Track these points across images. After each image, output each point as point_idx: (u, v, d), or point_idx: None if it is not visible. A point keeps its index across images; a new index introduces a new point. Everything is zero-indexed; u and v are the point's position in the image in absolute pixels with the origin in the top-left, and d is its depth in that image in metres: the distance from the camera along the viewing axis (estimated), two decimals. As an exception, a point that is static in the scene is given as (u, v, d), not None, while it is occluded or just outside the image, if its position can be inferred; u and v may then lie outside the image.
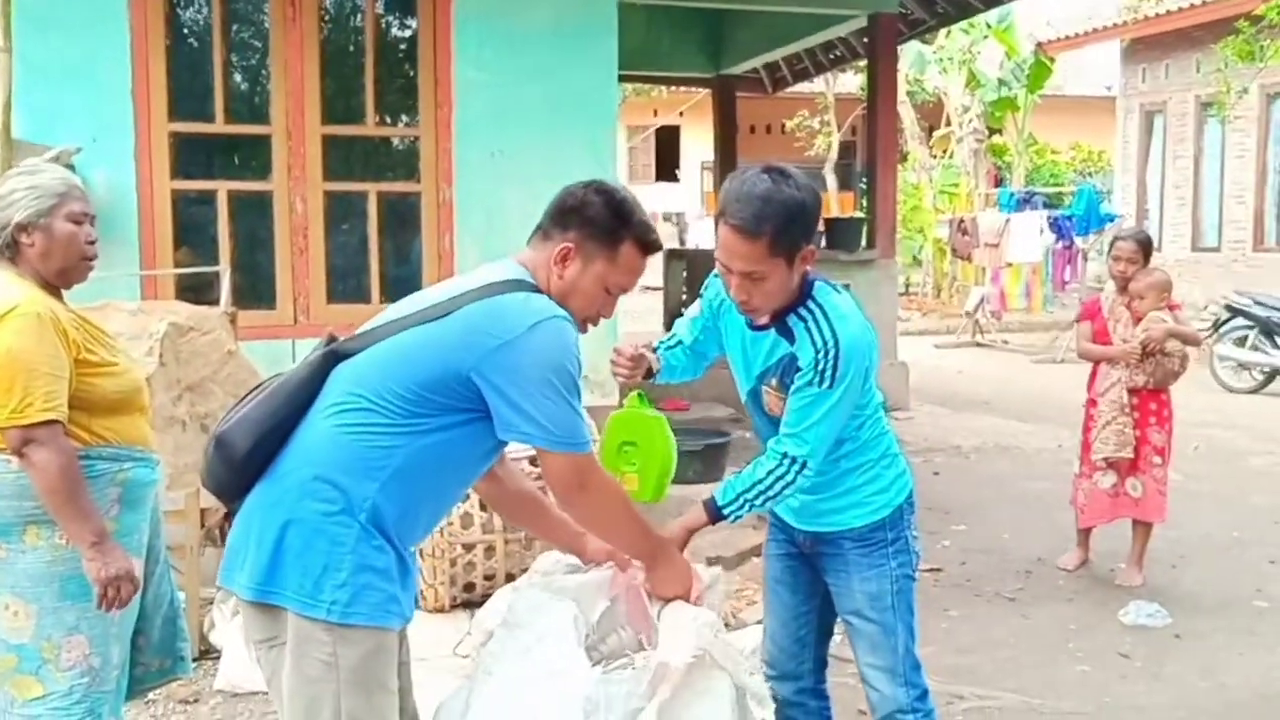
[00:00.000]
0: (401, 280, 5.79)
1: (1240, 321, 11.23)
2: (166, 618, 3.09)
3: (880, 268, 9.71)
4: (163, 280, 5.41)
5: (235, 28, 5.79)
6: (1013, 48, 17.65)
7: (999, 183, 19.04)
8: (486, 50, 5.64)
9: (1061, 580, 5.55)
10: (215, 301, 5.19)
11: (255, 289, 5.62)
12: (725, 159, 12.88)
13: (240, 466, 2.29)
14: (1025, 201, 15.21)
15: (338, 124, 5.66)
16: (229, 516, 4.93)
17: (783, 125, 22.21)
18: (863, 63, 11.63)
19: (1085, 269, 14.26)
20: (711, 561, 5.56)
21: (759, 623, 4.58)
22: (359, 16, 5.79)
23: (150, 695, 3.94)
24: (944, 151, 19.80)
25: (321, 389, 2.28)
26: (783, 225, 2.49)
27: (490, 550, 4.85)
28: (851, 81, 19.86)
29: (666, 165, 26.65)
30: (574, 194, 2.40)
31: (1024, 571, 5.69)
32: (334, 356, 2.30)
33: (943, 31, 17.09)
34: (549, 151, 5.76)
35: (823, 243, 9.24)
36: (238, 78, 5.66)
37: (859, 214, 10.57)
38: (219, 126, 5.56)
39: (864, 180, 10.55)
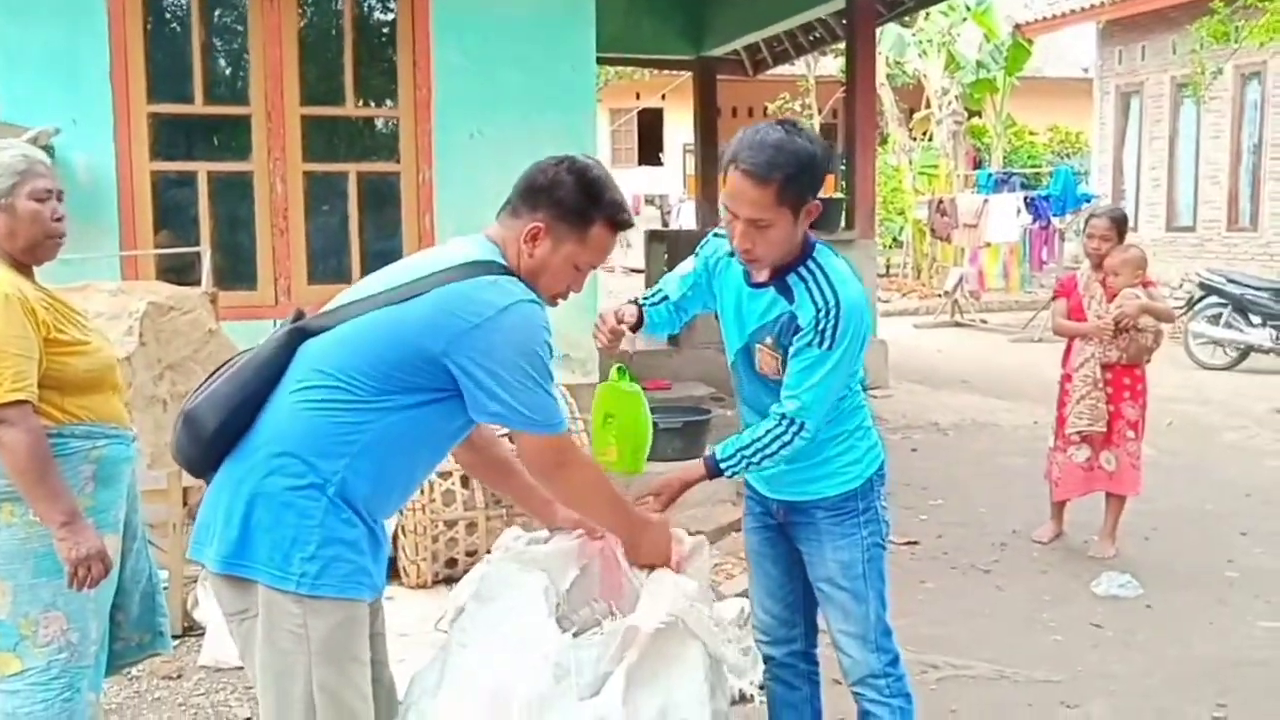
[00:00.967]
0: (382, 260, 5.68)
1: (1214, 299, 11.36)
2: (145, 593, 3.10)
3: (860, 248, 9.76)
4: (143, 261, 5.42)
5: (214, 10, 5.79)
6: (991, 30, 17.71)
7: (978, 164, 19.13)
8: (466, 34, 5.66)
9: (1036, 553, 5.63)
10: (196, 283, 5.21)
11: (236, 270, 5.64)
12: (706, 141, 12.91)
13: (209, 442, 2.30)
14: (1003, 183, 15.32)
15: (317, 105, 5.67)
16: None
17: (764, 108, 22.24)
18: (842, 45, 11.67)
19: (1062, 249, 14.38)
20: (690, 535, 5.64)
21: (740, 595, 4.67)
22: (338, -1, 5.82)
23: (133, 671, 3.97)
24: (923, 134, 19.88)
25: (289, 365, 2.28)
26: (793, 174, 2.52)
27: (472, 526, 4.90)
28: (832, 64, 19.87)
29: (649, 149, 26.65)
30: (545, 172, 2.38)
31: (999, 544, 5.77)
32: (301, 333, 2.30)
33: (921, 14, 17.16)
34: (528, 134, 5.78)
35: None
36: (217, 59, 5.67)
37: (839, 195, 10.61)
38: (198, 108, 5.57)
39: (844, 162, 10.58)
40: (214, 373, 2.37)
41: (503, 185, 6.18)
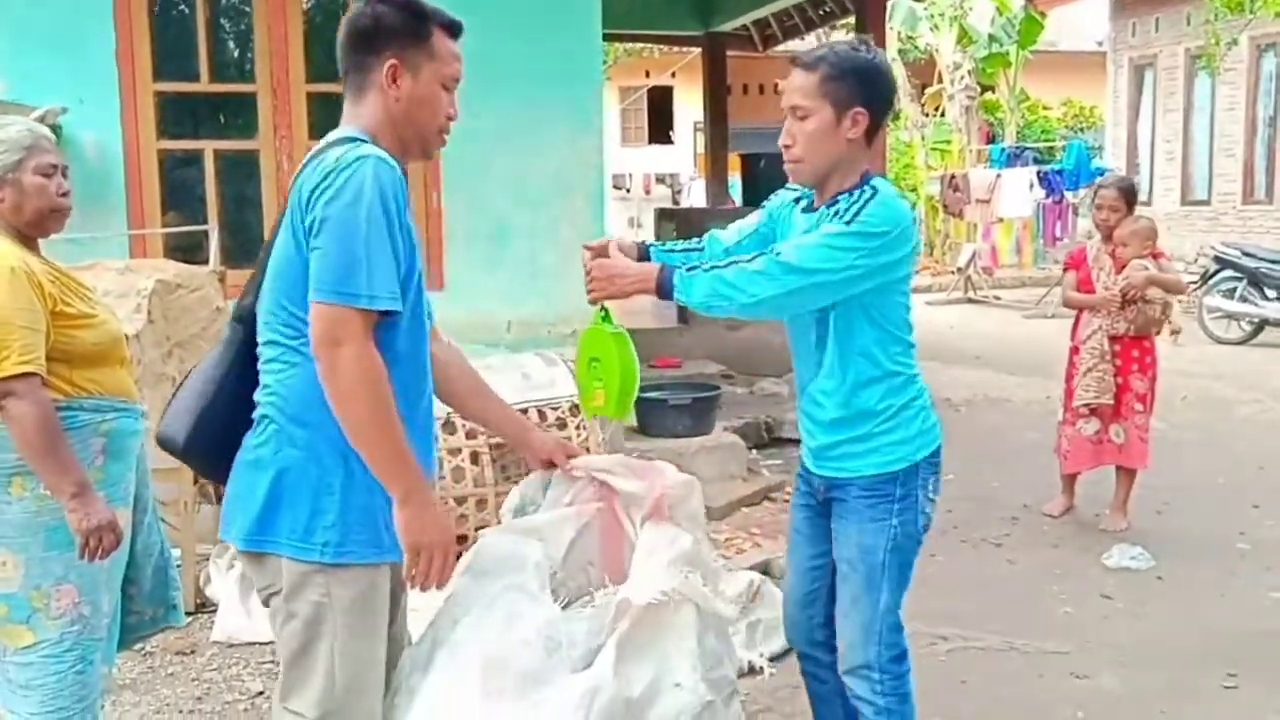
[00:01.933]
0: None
1: (1229, 273, 11.28)
2: (157, 566, 3.11)
3: (870, 224, 9.72)
4: (151, 240, 5.42)
5: (219, -13, 5.79)
6: (1004, 4, 17.56)
7: (991, 139, 19.01)
8: (469, 8, 5.62)
9: (1047, 526, 5.62)
10: (204, 261, 5.22)
11: (244, 248, 5.63)
12: (716, 119, 12.85)
13: (189, 457, 2.34)
14: (1016, 157, 15.23)
15: (323, 81, 5.65)
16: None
17: (775, 84, 22.10)
18: (853, 19, 11.58)
19: (1076, 224, 14.31)
20: (701, 512, 5.65)
21: (750, 568, 4.67)
22: (341, -28, 5.79)
23: (147, 646, 4.01)
24: (935, 109, 19.76)
25: (246, 354, 2.25)
26: (839, 69, 2.57)
27: (482, 503, 4.91)
28: (848, 40, 19.76)
29: (660, 127, 26.56)
30: (360, 18, 2.26)
31: (1010, 518, 5.76)
32: (242, 322, 2.28)
33: (933, -13, 17.07)
34: (534, 111, 5.77)
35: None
36: (222, 37, 5.66)
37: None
38: (204, 86, 5.57)
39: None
40: (176, 388, 2.37)
41: (509, 162, 6.20)
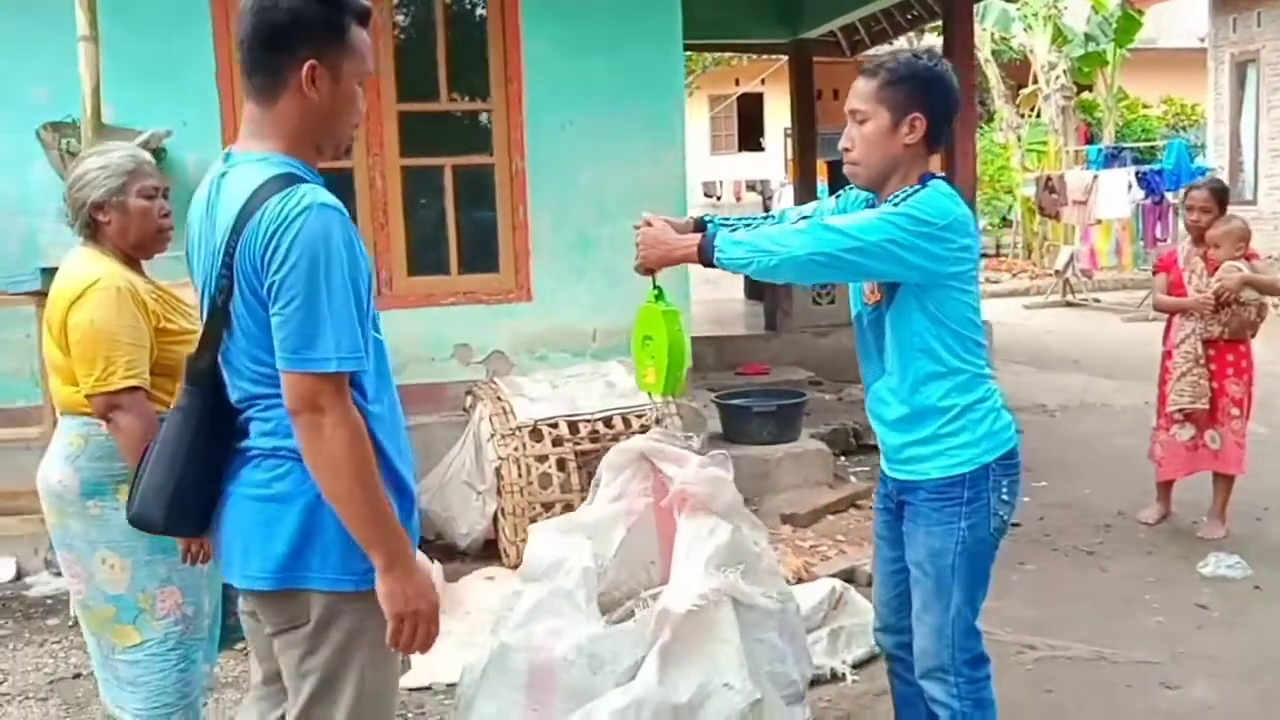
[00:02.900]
0: (479, 251, 5.95)
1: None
2: None
3: (960, 228, 9.63)
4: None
5: (313, 12, 5.98)
6: (1100, 2, 17.22)
7: (1090, 139, 18.61)
8: (554, 23, 5.74)
9: (1142, 534, 5.52)
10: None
11: (340, 263, 5.81)
12: (804, 125, 12.80)
13: (170, 531, 2.31)
14: (1113, 158, 14.91)
15: (413, 101, 5.81)
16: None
17: (865, 89, 21.98)
18: (941, 23, 11.47)
19: (1177, 224, 13.93)
20: (785, 519, 5.66)
21: (833, 575, 4.68)
22: (430, -3, 5.94)
23: (244, 646, 4.16)
24: (1031, 109, 19.43)
25: (209, 418, 2.18)
26: (899, 76, 2.64)
27: (569, 508, 4.99)
28: (938, 42, 19.57)
29: (750, 134, 26.54)
30: (272, 12, 2.03)
31: (1104, 526, 5.66)
32: (198, 385, 2.19)
33: (1027, -13, 16.82)
34: (617, 122, 5.85)
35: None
36: (315, 59, 5.82)
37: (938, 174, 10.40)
38: (300, 107, 5.75)
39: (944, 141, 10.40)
40: (142, 458, 2.31)
41: (593, 173, 6.27)
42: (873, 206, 2.76)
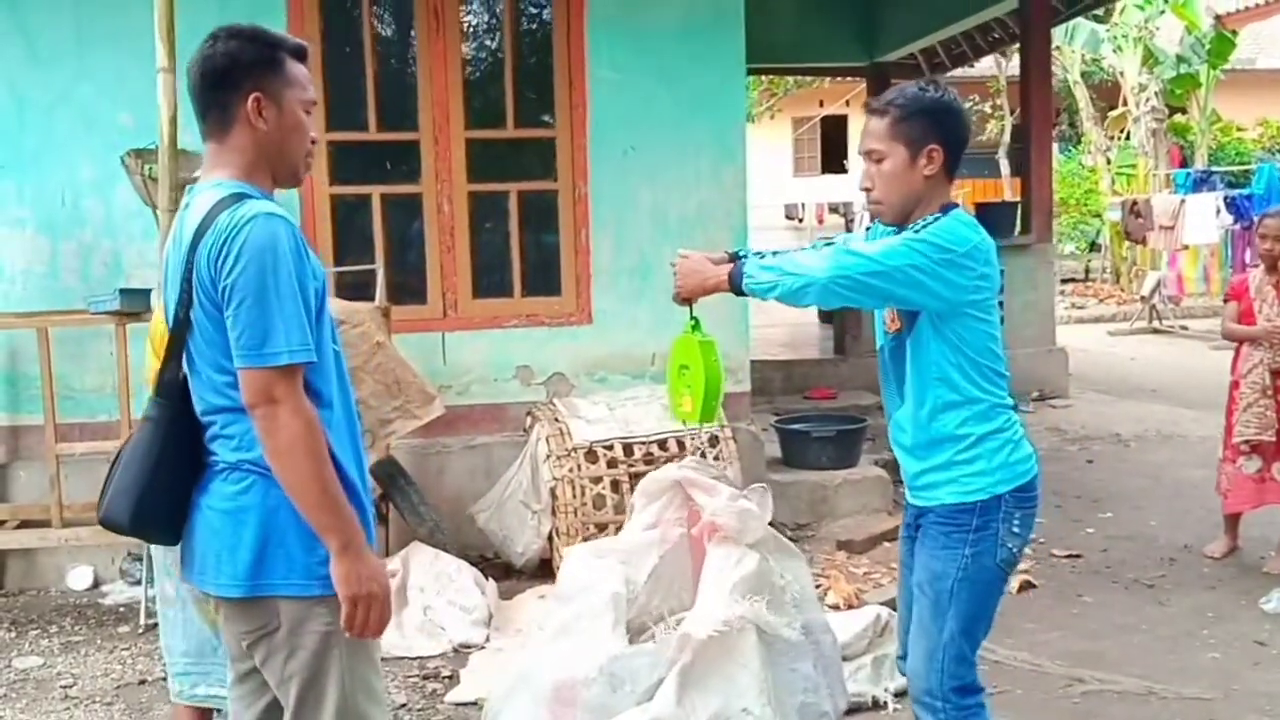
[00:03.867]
0: (541, 274, 6.06)
1: None
2: None
3: (1036, 253, 9.53)
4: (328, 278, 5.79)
5: (385, 42, 6.15)
6: (1193, 22, 16.85)
7: (1184, 163, 18.20)
8: (618, 50, 5.84)
9: (1206, 568, 5.41)
10: (372, 298, 5.55)
11: (408, 285, 5.96)
12: (882, 148, 12.79)
13: (136, 533, 2.37)
14: (1202, 181, 14.56)
15: (481, 128, 5.95)
16: (384, 497, 5.28)
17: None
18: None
19: (1268, 251, 13.56)
20: (840, 545, 5.66)
21: (882, 603, 4.67)
22: (497, 27, 6.07)
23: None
24: (1121, 132, 19.06)
25: (178, 429, 2.28)
26: (909, 111, 2.67)
27: (621, 528, 5.06)
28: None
29: (833, 156, 26.45)
30: (212, 56, 2.24)
31: (1167, 559, 5.57)
32: (167, 397, 2.29)
33: (1117, 8, 16.51)
34: (679, 147, 5.92)
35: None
36: (388, 89, 6.00)
37: (1010, 198, 10.35)
38: (372, 135, 5.93)
39: (1021, 165, 10.31)
40: (111, 467, 2.37)
41: (654, 199, 6.33)
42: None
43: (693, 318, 3.00)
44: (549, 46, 5.97)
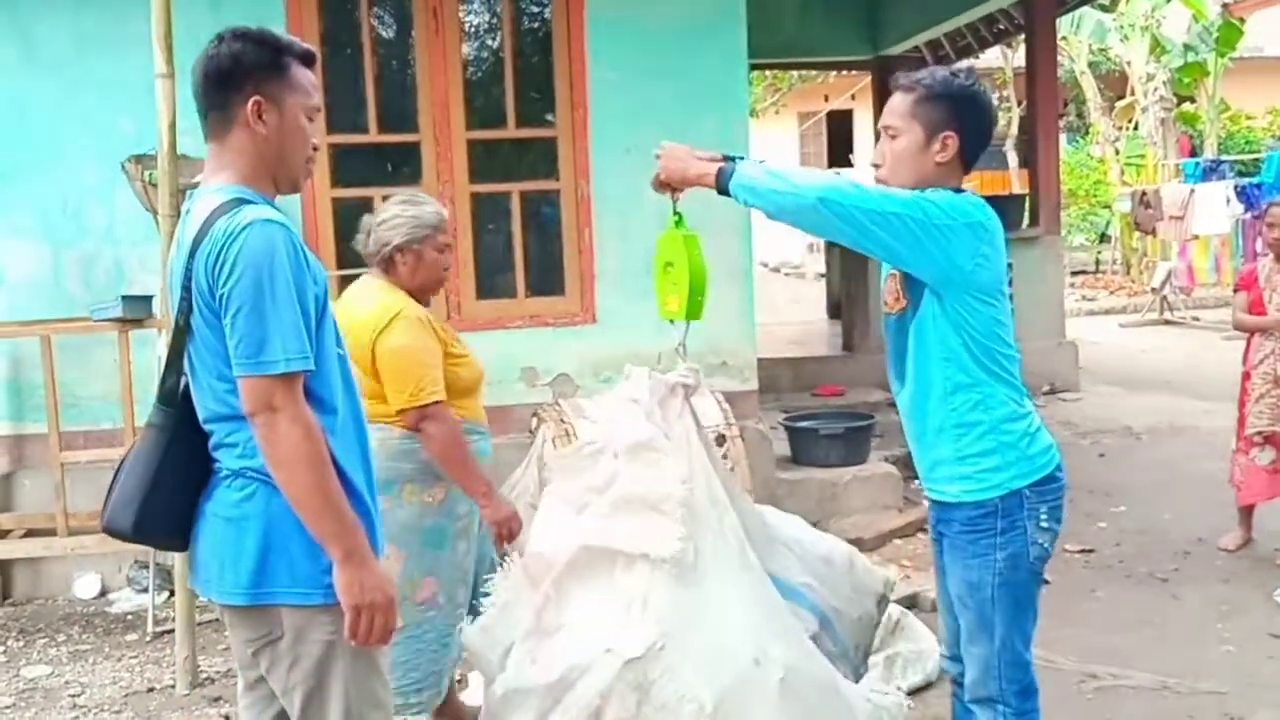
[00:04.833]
0: (545, 274, 6.03)
1: None
2: (488, 570, 3.46)
3: (1044, 245, 9.47)
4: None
5: (384, 44, 6.13)
6: (1199, 11, 16.73)
7: (1193, 152, 18.08)
8: (618, 48, 5.80)
9: (1220, 561, 5.36)
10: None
11: (411, 288, 5.94)
12: (888, 142, 12.73)
13: (139, 540, 2.35)
14: (1212, 171, 14.46)
15: (481, 129, 5.92)
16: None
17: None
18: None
19: (1278, 239, 13.46)
20: (850, 543, 5.60)
21: (896, 601, 4.63)
22: (497, 27, 6.04)
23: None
24: (1129, 122, 18.96)
25: (181, 436, 2.27)
26: (934, 92, 2.63)
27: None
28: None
29: (839, 149, 26.36)
30: (218, 59, 2.23)
31: (1181, 552, 5.52)
32: (170, 405, 2.28)
33: (1120, -2, 16.43)
34: (680, 141, 5.87)
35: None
36: (389, 90, 5.98)
37: (1018, 190, 10.30)
38: (373, 137, 5.90)
39: (1027, 157, 10.26)
40: (115, 474, 2.36)
41: (658, 197, 6.30)
42: None
43: (676, 213, 2.92)
44: (549, 46, 5.94)
